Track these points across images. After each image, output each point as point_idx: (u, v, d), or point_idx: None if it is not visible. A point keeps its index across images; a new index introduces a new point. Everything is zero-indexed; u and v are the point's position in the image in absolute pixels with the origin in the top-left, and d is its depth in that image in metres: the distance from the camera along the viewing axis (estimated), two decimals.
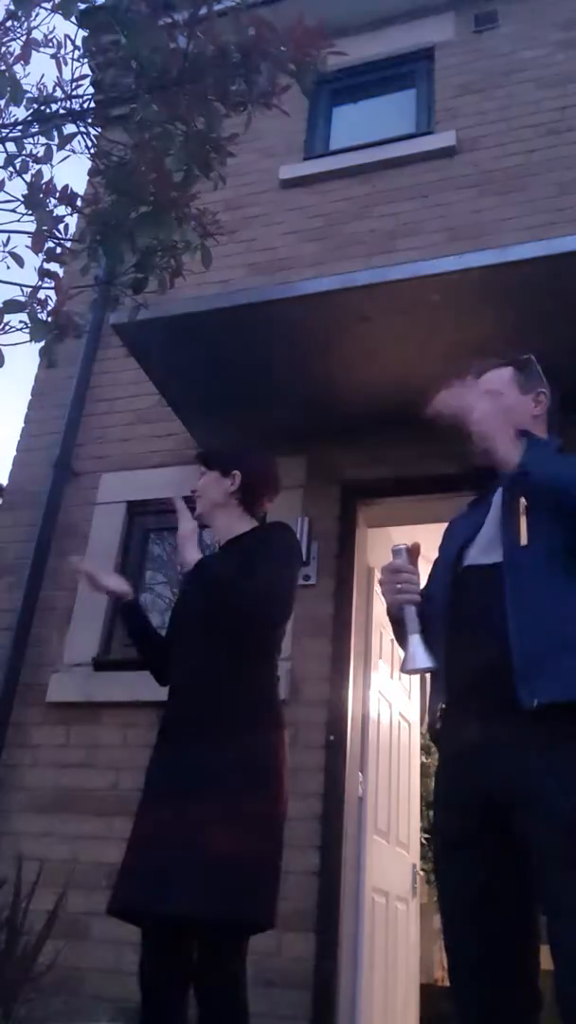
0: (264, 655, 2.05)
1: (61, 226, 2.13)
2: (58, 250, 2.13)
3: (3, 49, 2.17)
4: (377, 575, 3.52)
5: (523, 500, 1.59)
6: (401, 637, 1.73)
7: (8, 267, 2.12)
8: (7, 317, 2.08)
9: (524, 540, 1.55)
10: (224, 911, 1.74)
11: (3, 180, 2.14)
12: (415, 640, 1.57)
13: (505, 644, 1.44)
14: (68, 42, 2.19)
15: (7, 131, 2.15)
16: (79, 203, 2.17)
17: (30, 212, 2.10)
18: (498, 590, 1.51)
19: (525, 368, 1.91)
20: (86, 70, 2.23)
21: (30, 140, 2.17)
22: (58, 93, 2.18)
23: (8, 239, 2.11)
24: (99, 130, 2.27)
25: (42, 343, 2.11)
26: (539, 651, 1.42)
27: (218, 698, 1.93)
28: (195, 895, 1.72)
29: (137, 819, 1.91)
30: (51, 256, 2.12)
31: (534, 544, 1.54)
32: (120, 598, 2.24)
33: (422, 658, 1.55)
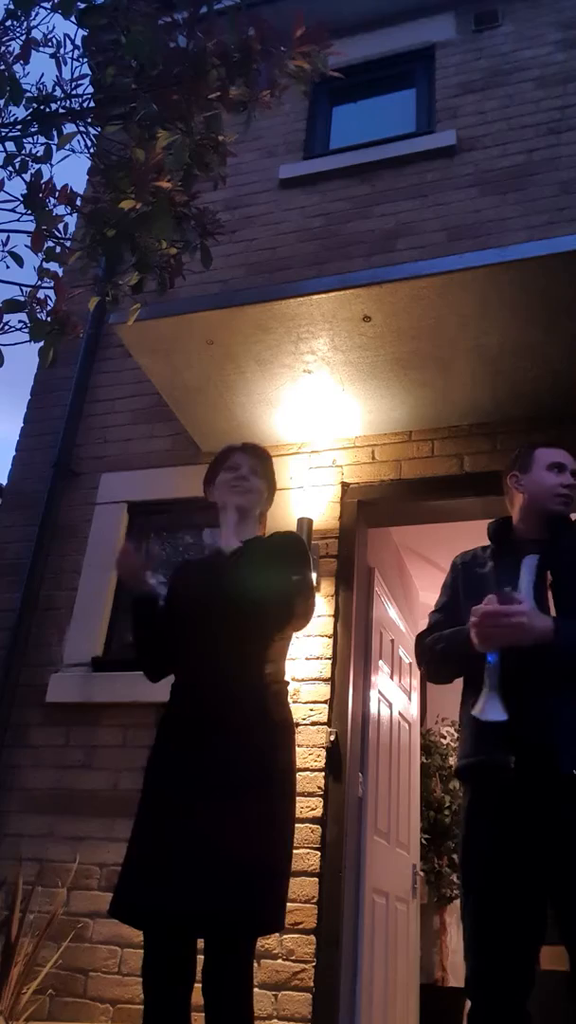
0: (280, 656, 2.07)
1: (61, 226, 2.12)
2: (57, 250, 2.12)
3: (3, 48, 2.17)
4: (378, 576, 3.55)
5: (548, 575, 1.90)
6: (455, 663, 2.02)
7: (8, 267, 2.11)
8: (7, 317, 2.07)
9: (552, 614, 1.89)
10: (251, 912, 1.74)
11: (3, 180, 2.13)
12: (494, 696, 1.81)
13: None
14: (68, 41, 2.19)
15: (7, 131, 2.15)
16: (79, 203, 2.16)
17: (30, 212, 2.09)
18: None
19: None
20: (86, 69, 2.22)
21: (30, 140, 2.16)
22: (58, 92, 2.17)
23: (8, 239, 2.11)
24: (99, 130, 2.26)
25: (41, 343, 2.10)
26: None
27: (243, 698, 1.92)
28: (222, 896, 1.71)
29: (146, 819, 1.87)
30: (50, 256, 2.11)
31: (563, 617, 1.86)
32: (143, 589, 2.15)
33: (499, 712, 1.80)
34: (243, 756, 1.84)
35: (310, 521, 3.51)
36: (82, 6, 2.13)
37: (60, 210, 2.11)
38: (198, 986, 1.81)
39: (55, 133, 2.14)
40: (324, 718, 3.20)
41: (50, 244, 2.10)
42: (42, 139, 2.15)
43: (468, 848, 1.90)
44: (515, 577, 1.96)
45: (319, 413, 3.61)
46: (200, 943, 1.83)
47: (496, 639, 1.81)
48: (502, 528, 2.18)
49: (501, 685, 1.80)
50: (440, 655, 2.04)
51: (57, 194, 2.10)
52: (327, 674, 3.27)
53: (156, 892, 1.75)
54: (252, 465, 2.24)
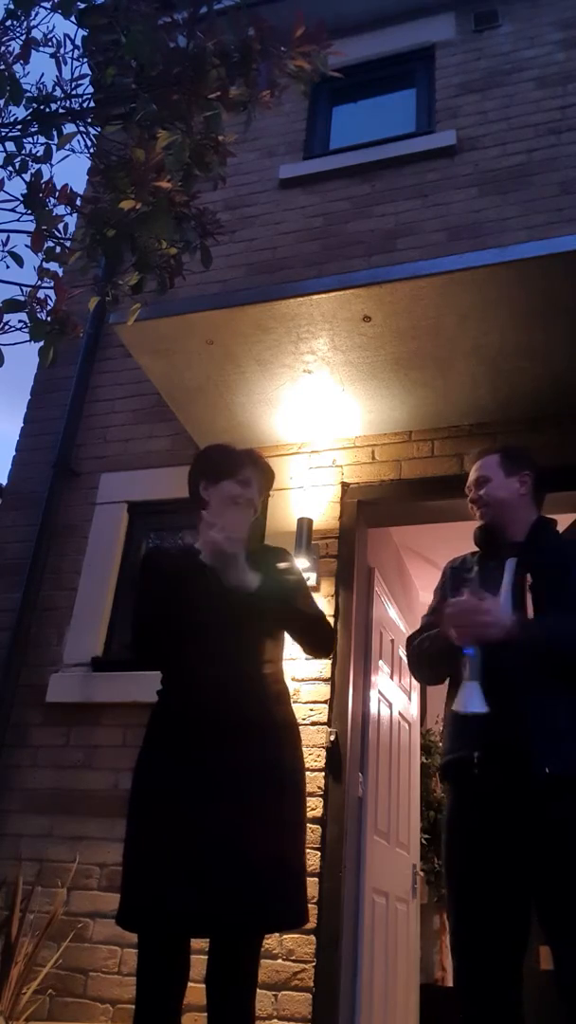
0: (278, 657, 2.08)
1: (61, 226, 2.12)
2: (57, 250, 2.12)
3: (3, 48, 2.17)
4: (378, 576, 3.56)
5: (528, 577, 1.95)
6: (438, 662, 2.07)
7: (8, 267, 2.11)
8: (7, 317, 2.07)
9: (530, 614, 1.96)
10: (286, 909, 1.77)
11: (3, 180, 2.13)
12: (474, 686, 1.84)
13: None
14: (68, 41, 2.18)
15: (7, 131, 2.15)
16: (79, 203, 2.16)
17: (30, 212, 2.09)
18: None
19: (511, 454, 2.28)
20: (86, 69, 2.22)
21: (30, 140, 2.16)
22: (58, 92, 2.17)
23: (8, 239, 2.11)
24: (99, 130, 2.26)
25: (41, 343, 2.10)
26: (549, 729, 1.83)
27: (247, 700, 1.91)
28: (259, 894, 1.72)
29: (154, 823, 1.82)
30: (50, 256, 2.11)
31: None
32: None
33: (480, 703, 1.82)
34: (254, 759, 1.84)
35: (310, 521, 3.51)
36: (82, 6, 2.13)
37: (60, 210, 2.11)
38: (195, 987, 1.81)
39: (55, 133, 2.14)
40: (324, 718, 3.20)
41: (50, 244, 2.10)
42: (42, 139, 2.15)
43: (450, 848, 1.93)
44: (499, 579, 2.02)
45: (319, 413, 3.61)
46: (195, 943, 1.83)
47: (470, 634, 1.88)
48: (487, 533, 2.24)
49: (481, 677, 1.84)
50: (424, 654, 2.11)
51: (57, 194, 2.10)
52: (327, 674, 3.27)
53: (181, 899, 1.71)
54: (259, 486, 2.23)
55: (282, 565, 2.08)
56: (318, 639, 2.12)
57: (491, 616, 1.86)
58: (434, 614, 2.18)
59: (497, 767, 1.83)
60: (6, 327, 2.08)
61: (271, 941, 2.87)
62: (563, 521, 3.46)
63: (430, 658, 2.10)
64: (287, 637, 2.16)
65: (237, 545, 1.96)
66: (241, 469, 2.19)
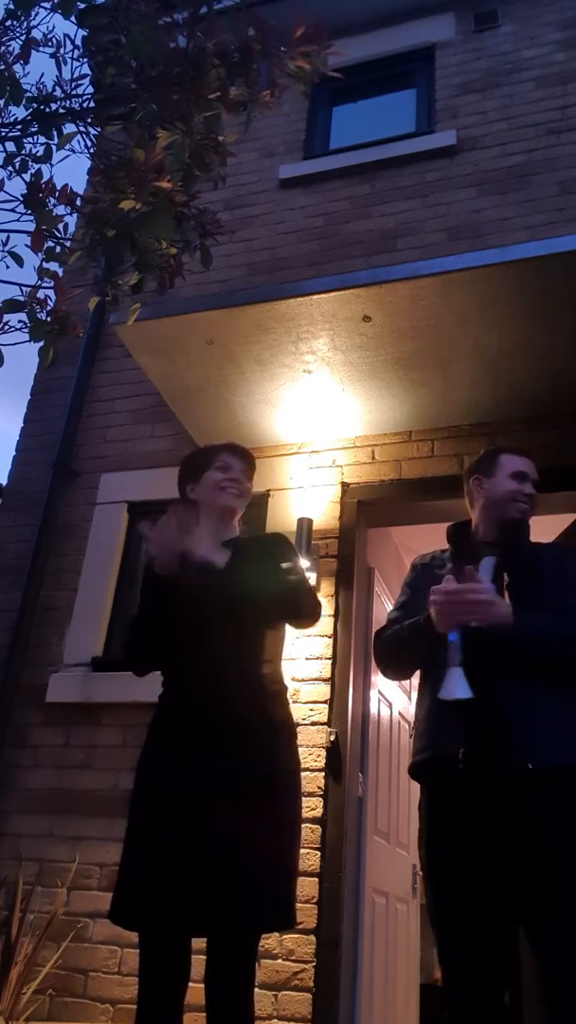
0: (276, 656, 2.07)
1: (61, 226, 2.12)
2: (57, 250, 2.12)
3: (3, 48, 2.17)
4: (378, 576, 3.56)
5: (505, 576, 1.95)
6: (410, 652, 2.06)
7: (8, 267, 2.11)
8: (7, 317, 2.08)
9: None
10: (270, 911, 1.76)
11: (3, 180, 2.13)
12: (459, 672, 1.80)
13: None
14: (68, 41, 2.19)
15: (7, 130, 2.15)
16: (79, 203, 2.16)
17: (30, 212, 2.09)
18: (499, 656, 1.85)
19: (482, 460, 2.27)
20: (86, 69, 2.23)
21: (30, 140, 2.16)
22: (58, 92, 2.17)
23: (8, 239, 2.11)
24: (99, 130, 2.26)
25: (41, 343, 2.10)
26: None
27: (244, 700, 1.91)
28: (240, 896, 1.71)
29: (150, 822, 1.84)
30: (50, 256, 2.11)
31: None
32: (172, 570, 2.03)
33: (464, 688, 1.78)
34: (249, 759, 1.84)
35: (310, 521, 3.51)
36: (82, 6, 2.13)
37: (60, 210, 2.11)
38: (195, 987, 1.81)
39: (55, 133, 2.14)
40: (324, 718, 3.20)
41: (50, 244, 2.10)
42: (42, 139, 2.15)
43: (430, 849, 1.89)
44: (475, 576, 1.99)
45: (319, 413, 3.61)
46: (195, 943, 1.83)
47: (456, 617, 1.85)
48: (460, 531, 2.23)
49: (465, 664, 1.81)
50: (397, 644, 2.08)
51: (57, 194, 2.10)
52: (327, 674, 3.27)
53: (171, 896, 1.72)
54: (243, 468, 2.24)
55: (285, 565, 2.08)
56: (301, 608, 2.07)
57: (489, 595, 1.84)
58: (402, 610, 2.16)
59: (479, 763, 1.80)
60: (6, 327, 2.08)
61: (271, 941, 2.87)
62: (563, 521, 3.47)
63: (401, 648, 2.07)
64: (288, 637, 2.16)
65: (177, 547, 2.00)
66: (217, 457, 2.24)
